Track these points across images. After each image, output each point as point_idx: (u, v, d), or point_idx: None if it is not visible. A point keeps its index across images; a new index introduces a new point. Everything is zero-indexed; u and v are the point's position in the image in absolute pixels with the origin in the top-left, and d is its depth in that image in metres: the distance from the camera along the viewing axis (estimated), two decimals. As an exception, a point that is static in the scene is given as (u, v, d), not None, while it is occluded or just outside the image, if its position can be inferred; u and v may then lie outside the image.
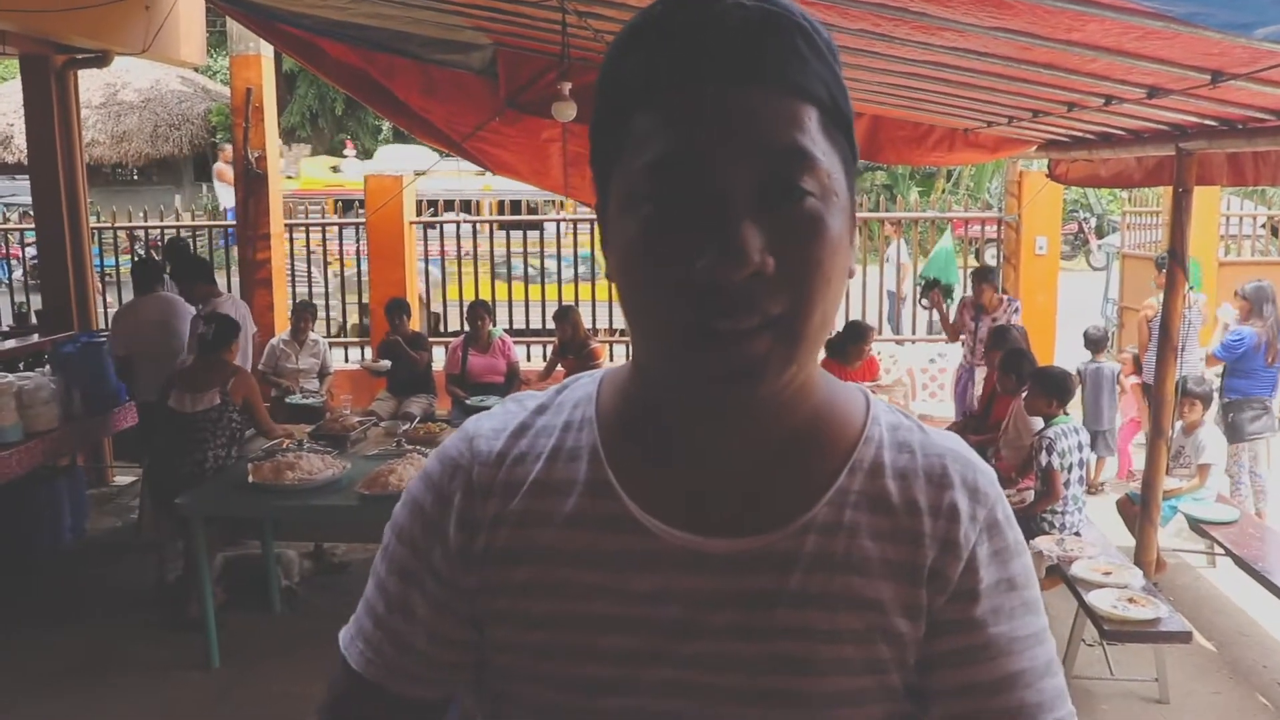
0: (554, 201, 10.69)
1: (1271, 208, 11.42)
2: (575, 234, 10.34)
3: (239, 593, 5.33)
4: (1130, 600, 4.12)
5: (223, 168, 14.89)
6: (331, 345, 7.85)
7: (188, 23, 7.62)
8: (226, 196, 14.57)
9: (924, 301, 8.12)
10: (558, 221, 10.28)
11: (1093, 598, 4.15)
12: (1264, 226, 11.12)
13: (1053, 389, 5.15)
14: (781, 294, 0.75)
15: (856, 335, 6.95)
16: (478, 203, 11.83)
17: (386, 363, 7.40)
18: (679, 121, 0.75)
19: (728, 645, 0.84)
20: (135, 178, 20.78)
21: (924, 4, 2.87)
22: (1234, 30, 2.37)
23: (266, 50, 8.32)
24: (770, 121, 0.75)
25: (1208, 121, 4.29)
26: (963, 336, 7.65)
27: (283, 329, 7.94)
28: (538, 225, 10.73)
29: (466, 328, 7.65)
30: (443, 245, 10.36)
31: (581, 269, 10.08)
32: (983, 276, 7.52)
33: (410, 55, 6.39)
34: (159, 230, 10.04)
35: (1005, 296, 7.57)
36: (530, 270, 10.41)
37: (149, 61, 10.17)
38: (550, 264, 10.24)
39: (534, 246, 10.58)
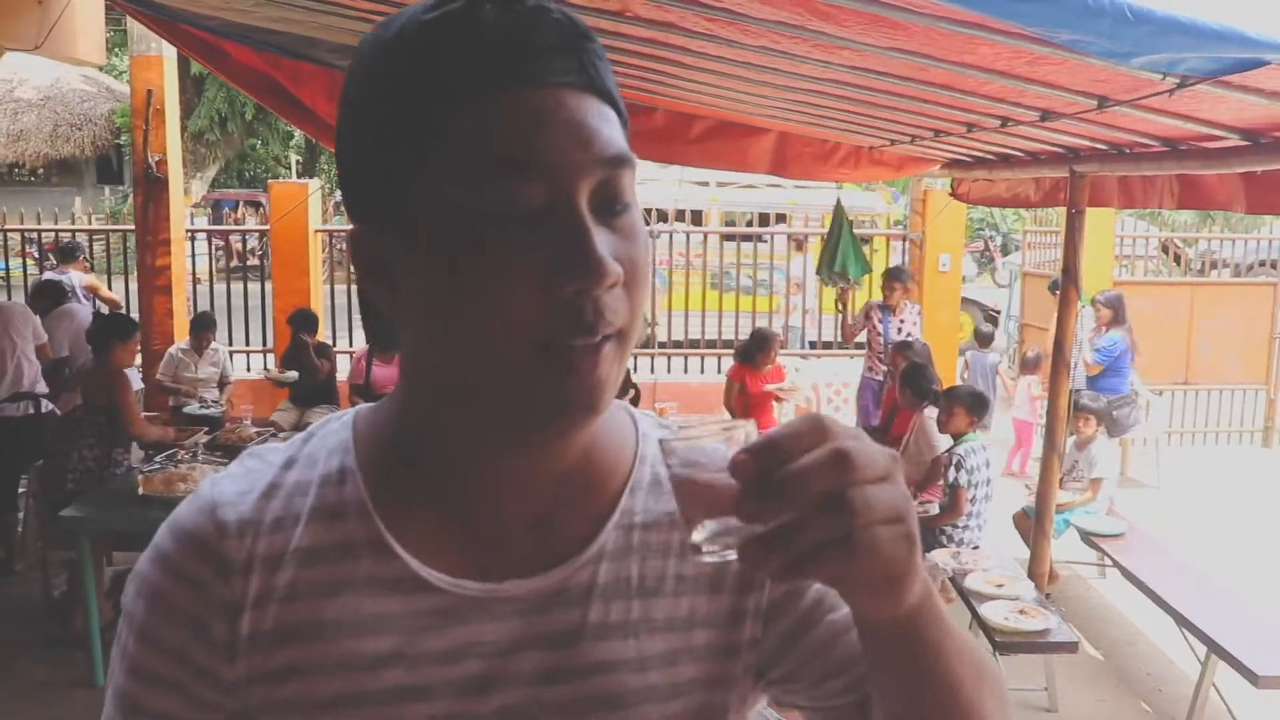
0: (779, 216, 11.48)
1: (1164, 229, 11.82)
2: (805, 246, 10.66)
3: (129, 608, 5.17)
4: (1021, 612, 4.20)
5: None
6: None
7: (85, 20, 7.39)
8: None
9: (840, 304, 8.08)
10: (783, 235, 10.75)
11: (985, 610, 4.23)
12: (1157, 248, 11.51)
13: (973, 405, 5.26)
14: (623, 306, 0.72)
15: (763, 342, 7.16)
16: (705, 213, 12.06)
17: (293, 373, 7.26)
18: (520, 124, 0.70)
19: (536, 692, 0.80)
20: (34, 179, 20.14)
21: (821, 23, 2.90)
22: (1113, 59, 2.44)
23: (169, 51, 8.13)
24: (601, 128, 0.72)
25: (1098, 145, 4.42)
26: (863, 342, 7.77)
27: (182, 337, 7.74)
28: (752, 238, 10.84)
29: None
30: (671, 254, 10.44)
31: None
32: (895, 276, 7.59)
33: (317, 61, 6.28)
34: (53, 234, 9.70)
35: (907, 301, 7.65)
36: (747, 281, 10.78)
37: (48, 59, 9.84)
38: (765, 274, 10.79)
39: (762, 259, 10.82)
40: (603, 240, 0.71)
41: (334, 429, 0.86)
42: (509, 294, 0.70)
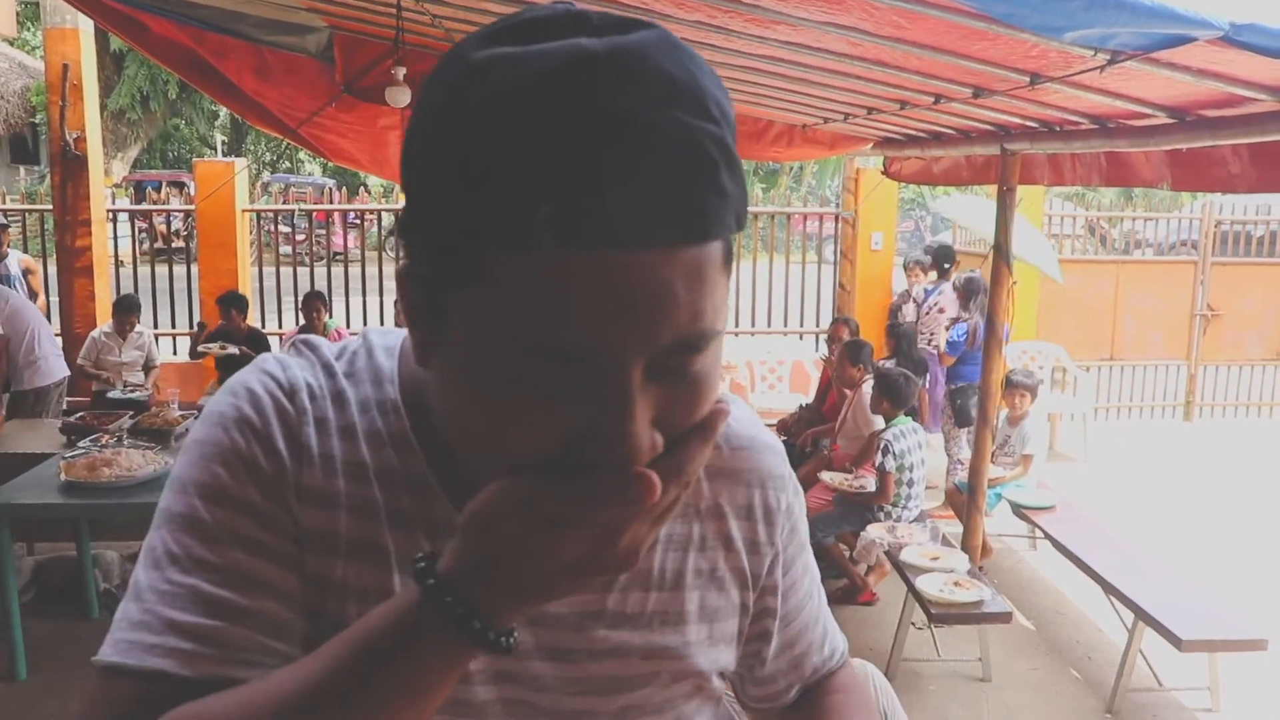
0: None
1: (1090, 209, 12.03)
2: None
3: (52, 597, 5.02)
4: (956, 584, 4.26)
5: None
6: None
7: (-4, -8, 7.15)
8: None
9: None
10: None
11: (921, 582, 4.28)
12: (1084, 227, 11.71)
13: (888, 392, 5.29)
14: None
15: None
16: None
17: (233, 349, 7.02)
18: (567, 297, 0.59)
19: (550, 668, 0.83)
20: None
21: (757, -4, 2.89)
22: (1046, 33, 2.46)
23: (85, 24, 7.88)
24: (677, 301, 0.61)
25: (1029, 123, 4.47)
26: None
27: (105, 320, 7.53)
28: None
29: (301, 320, 7.42)
30: None
31: None
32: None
33: (243, 36, 6.11)
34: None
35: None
36: None
37: (-44, 33, 9.48)
38: None
39: None
40: (650, 402, 0.62)
41: (379, 355, 0.85)
42: (520, 441, 0.63)
